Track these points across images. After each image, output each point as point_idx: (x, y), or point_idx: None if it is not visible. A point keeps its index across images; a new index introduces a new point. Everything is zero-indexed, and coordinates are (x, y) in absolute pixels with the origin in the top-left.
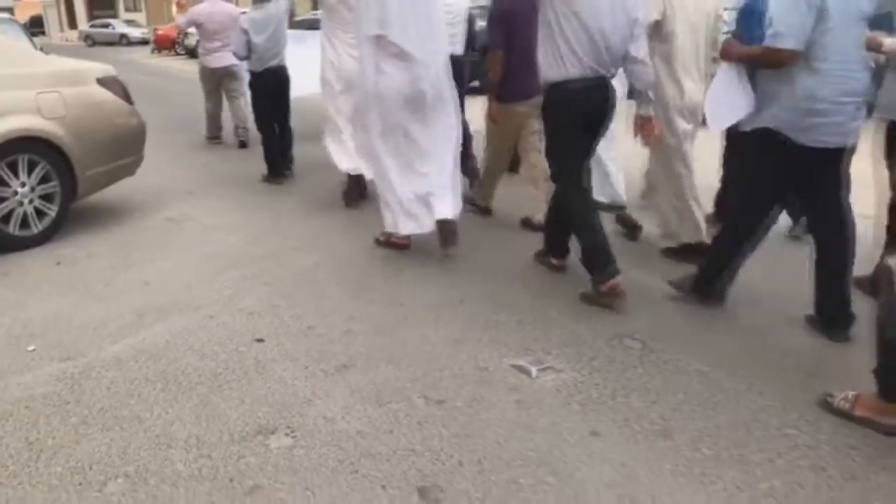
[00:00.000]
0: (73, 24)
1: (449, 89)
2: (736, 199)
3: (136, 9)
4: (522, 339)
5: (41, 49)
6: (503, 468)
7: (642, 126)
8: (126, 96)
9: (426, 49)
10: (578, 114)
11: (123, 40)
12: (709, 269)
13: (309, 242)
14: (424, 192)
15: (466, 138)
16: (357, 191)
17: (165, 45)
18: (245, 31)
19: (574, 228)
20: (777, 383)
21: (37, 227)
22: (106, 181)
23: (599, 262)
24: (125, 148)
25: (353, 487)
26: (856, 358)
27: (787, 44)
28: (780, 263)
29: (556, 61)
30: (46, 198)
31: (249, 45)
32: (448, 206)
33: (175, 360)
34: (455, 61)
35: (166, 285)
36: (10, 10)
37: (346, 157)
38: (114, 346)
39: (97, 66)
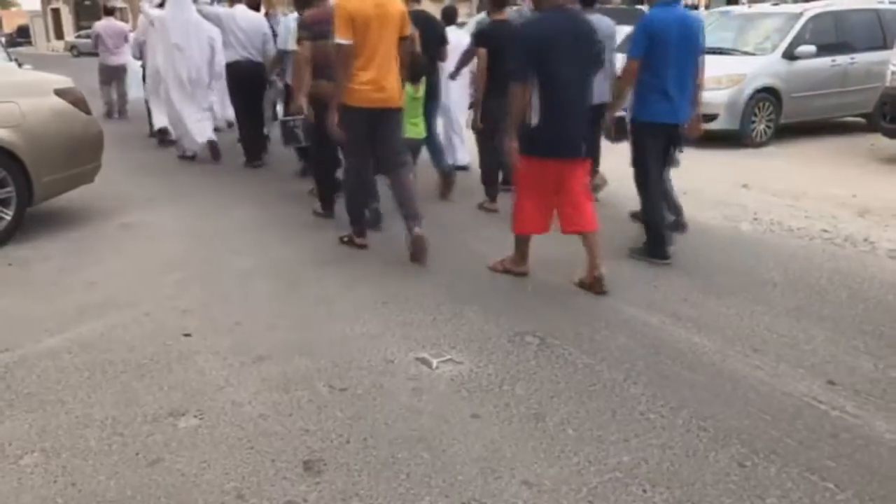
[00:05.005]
0: (59, 34)
1: (206, 74)
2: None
3: (123, 18)
4: (433, 335)
5: (15, 60)
6: (385, 445)
7: None
8: (84, 107)
9: (195, 53)
10: (238, 79)
11: None
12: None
13: (251, 247)
14: (199, 126)
15: None
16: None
17: None
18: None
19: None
20: (653, 375)
21: None
22: (63, 188)
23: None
24: (82, 156)
25: (245, 461)
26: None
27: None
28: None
29: (226, 49)
30: (2, 202)
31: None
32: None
33: (105, 351)
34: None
35: (110, 286)
36: None
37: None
38: (51, 339)
39: (56, 78)
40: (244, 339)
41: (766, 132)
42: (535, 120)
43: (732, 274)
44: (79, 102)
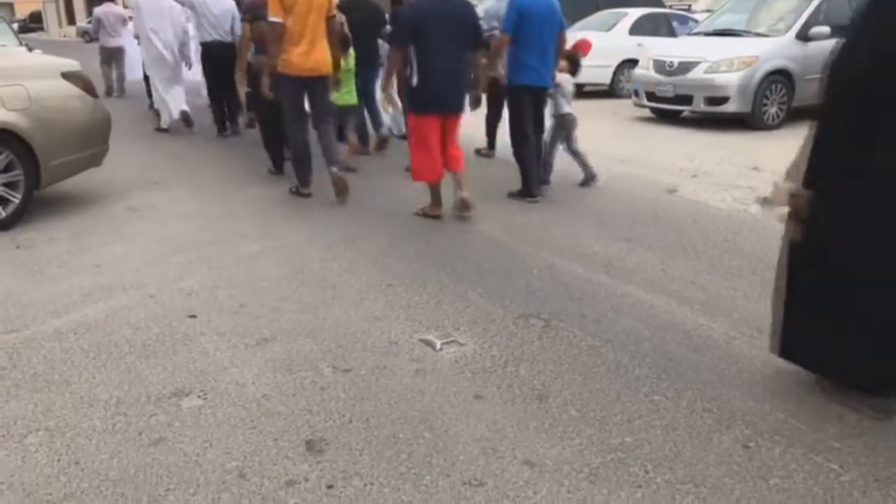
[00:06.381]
0: (71, 19)
1: (179, 54)
2: None
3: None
4: (437, 317)
5: (26, 45)
6: (387, 425)
7: None
8: (92, 90)
9: (169, 36)
10: (210, 58)
11: None
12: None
13: (258, 231)
14: (174, 100)
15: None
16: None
17: None
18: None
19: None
20: (658, 357)
21: (1, 213)
22: (70, 171)
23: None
24: (89, 139)
25: (247, 440)
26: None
27: None
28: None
29: (199, 31)
30: (10, 186)
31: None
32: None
33: (111, 332)
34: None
35: (116, 268)
36: (9, 6)
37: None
38: (56, 321)
39: (62, 61)
40: (248, 320)
41: (778, 115)
42: (414, 81)
43: (741, 256)
44: (86, 86)
